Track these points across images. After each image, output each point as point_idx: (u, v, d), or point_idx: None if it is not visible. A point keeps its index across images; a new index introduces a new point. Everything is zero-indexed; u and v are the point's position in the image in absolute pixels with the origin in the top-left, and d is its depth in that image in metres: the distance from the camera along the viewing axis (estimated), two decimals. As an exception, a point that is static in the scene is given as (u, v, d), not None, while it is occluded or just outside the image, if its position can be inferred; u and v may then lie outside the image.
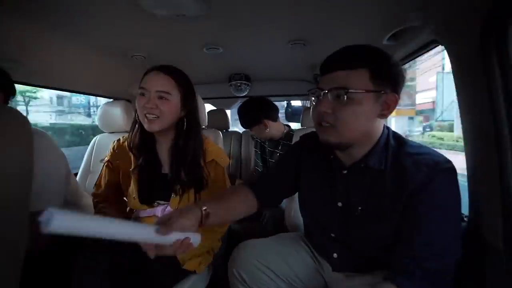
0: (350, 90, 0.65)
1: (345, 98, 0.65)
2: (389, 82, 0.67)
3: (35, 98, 8.28)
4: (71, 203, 1.12)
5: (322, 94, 0.70)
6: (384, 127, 0.75)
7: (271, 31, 1.19)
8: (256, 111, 1.62)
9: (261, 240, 0.94)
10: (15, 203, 0.55)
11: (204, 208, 0.72)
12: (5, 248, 0.54)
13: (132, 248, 0.77)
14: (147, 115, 0.91)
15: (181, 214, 0.68)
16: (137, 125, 0.99)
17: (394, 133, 0.77)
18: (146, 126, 0.93)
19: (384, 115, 0.70)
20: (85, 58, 1.35)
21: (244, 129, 2.09)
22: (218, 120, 2.18)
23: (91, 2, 0.87)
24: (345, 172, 0.78)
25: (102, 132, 1.75)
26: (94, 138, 1.74)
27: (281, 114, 2.43)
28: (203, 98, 1.49)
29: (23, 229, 0.57)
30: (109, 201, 1.06)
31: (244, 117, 1.67)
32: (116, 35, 1.17)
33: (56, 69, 1.35)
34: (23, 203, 0.57)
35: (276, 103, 1.79)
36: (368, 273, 0.77)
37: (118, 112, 1.61)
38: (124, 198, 1.10)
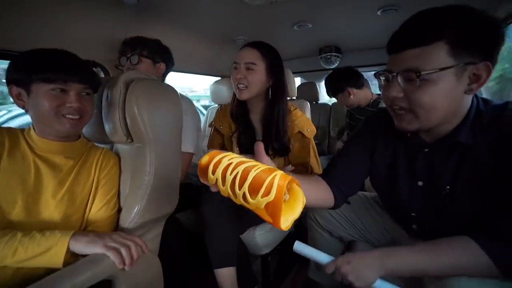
0: (422, 72, 0.55)
1: (418, 81, 0.56)
2: (479, 49, 0.55)
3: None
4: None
5: (390, 77, 0.61)
6: (473, 96, 0.64)
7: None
8: (339, 80, 1.69)
9: None
10: None
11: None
12: None
13: None
14: (238, 85, 1.03)
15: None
16: (235, 96, 1.12)
17: (483, 99, 0.65)
18: (237, 95, 1.06)
19: (473, 90, 0.58)
20: (196, 44, 1.66)
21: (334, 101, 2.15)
22: (308, 92, 2.31)
23: None
24: (426, 150, 0.70)
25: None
26: (208, 109, 2.18)
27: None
28: (294, 72, 1.65)
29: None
30: None
31: (329, 86, 1.76)
32: (219, 23, 1.44)
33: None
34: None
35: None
36: None
37: (224, 88, 1.97)
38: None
